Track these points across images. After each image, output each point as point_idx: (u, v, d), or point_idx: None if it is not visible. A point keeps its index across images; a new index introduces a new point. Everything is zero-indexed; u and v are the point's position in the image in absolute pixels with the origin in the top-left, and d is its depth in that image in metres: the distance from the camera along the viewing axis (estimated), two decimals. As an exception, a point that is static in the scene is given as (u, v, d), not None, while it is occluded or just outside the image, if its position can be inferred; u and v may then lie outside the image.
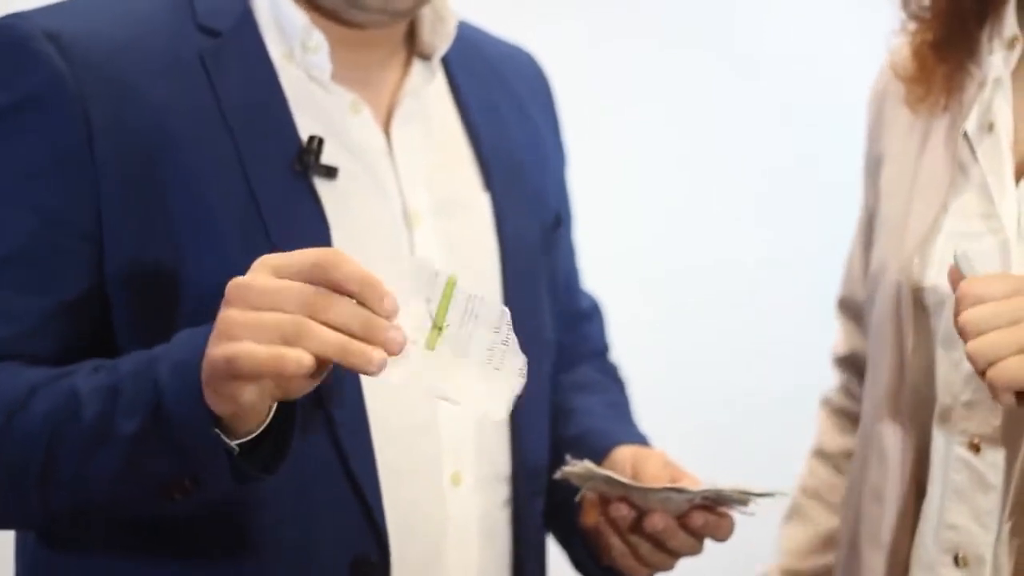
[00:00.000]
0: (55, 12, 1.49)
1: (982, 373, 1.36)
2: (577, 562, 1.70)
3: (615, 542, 1.58)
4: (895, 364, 1.61)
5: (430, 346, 1.29)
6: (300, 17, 1.52)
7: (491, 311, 1.30)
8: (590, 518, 1.61)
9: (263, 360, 1.23)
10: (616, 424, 1.69)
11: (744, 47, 3.10)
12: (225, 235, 1.45)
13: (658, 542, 1.56)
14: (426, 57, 1.60)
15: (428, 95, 1.60)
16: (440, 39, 1.59)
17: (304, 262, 1.26)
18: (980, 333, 1.36)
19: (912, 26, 1.66)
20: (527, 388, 1.56)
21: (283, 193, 1.46)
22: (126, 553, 1.48)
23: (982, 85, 1.59)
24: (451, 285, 1.29)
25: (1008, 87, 1.58)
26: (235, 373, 1.25)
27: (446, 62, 1.63)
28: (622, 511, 1.55)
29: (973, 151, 1.58)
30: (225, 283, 1.27)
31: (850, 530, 1.68)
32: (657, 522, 1.54)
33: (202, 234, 1.44)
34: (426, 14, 1.59)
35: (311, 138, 1.49)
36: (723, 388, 2.99)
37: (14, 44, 1.45)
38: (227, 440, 1.31)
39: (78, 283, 1.45)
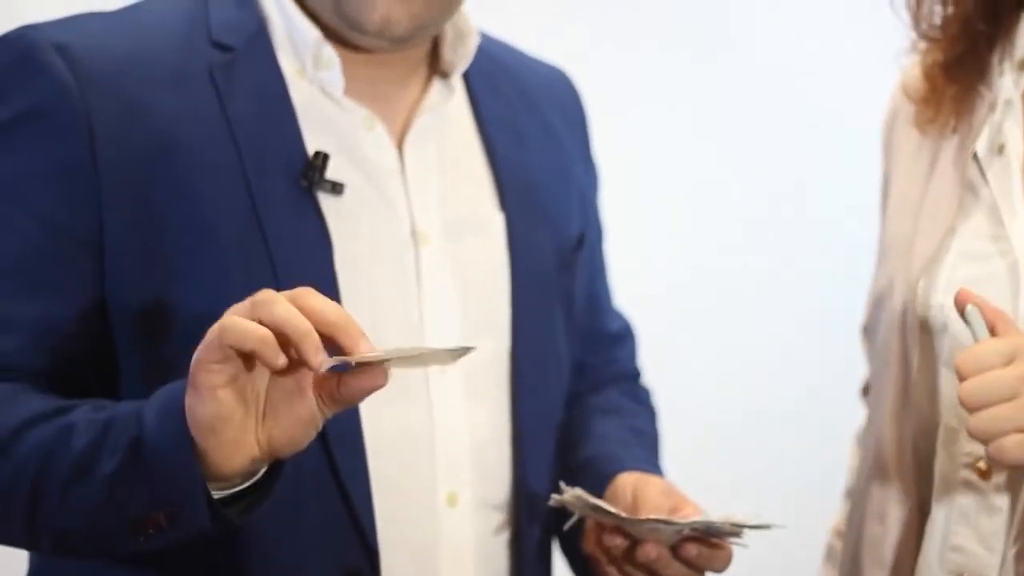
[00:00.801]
0: (67, 24, 1.50)
1: (985, 444, 1.38)
2: None
3: (610, 571, 1.57)
4: (899, 385, 1.60)
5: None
6: (312, 32, 1.52)
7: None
8: (590, 545, 1.59)
9: (284, 317, 1.25)
10: (626, 450, 1.67)
11: (747, 50, 3.09)
12: (225, 249, 1.45)
13: (653, 572, 1.54)
14: (446, 75, 1.60)
15: (446, 113, 1.60)
16: (460, 57, 1.59)
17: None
18: (980, 407, 1.37)
19: (923, 46, 1.65)
20: (532, 411, 1.55)
21: (286, 208, 1.46)
22: (118, 566, 1.47)
23: (992, 107, 1.59)
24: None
25: (1019, 109, 1.57)
26: (225, 339, 1.25)
27: (469, 81, 1.63)
28: (615, 540, 1.54)
29: (983, 173, 1.57)
30: (224, 297, 1.30)
31: (852, 549, 1.67)
32: (650, 552, 1.53)
33: (202, 248, 1.44)
34: (448, 32, 1.59)
35: (316, 153, 1.49)
36: (724, 396, 2.99)
37: (23, 55, 1.46)
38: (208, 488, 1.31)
39: (78, 295, 1.45)
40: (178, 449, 1.29)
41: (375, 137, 1.54)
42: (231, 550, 1.46)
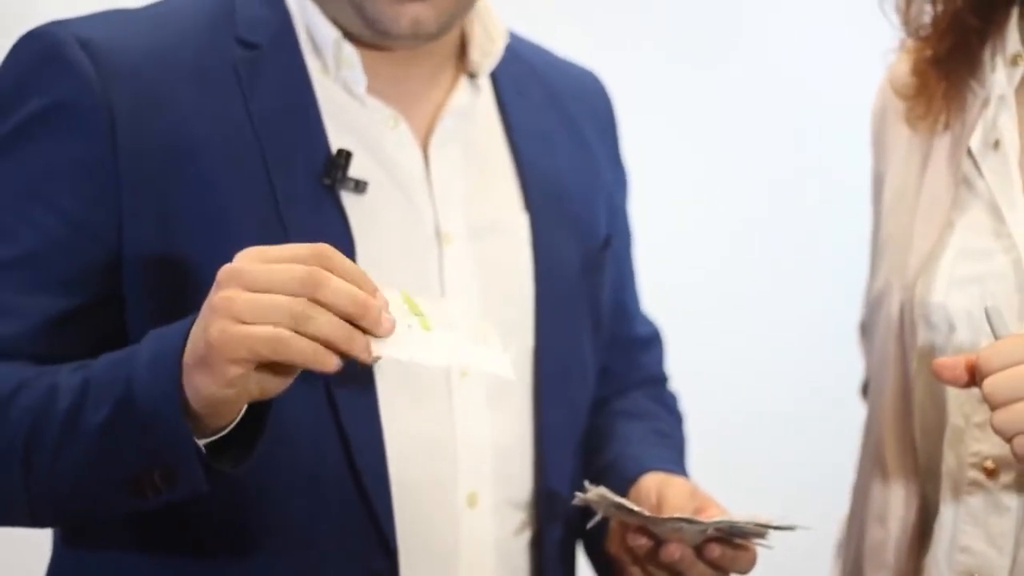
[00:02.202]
0: (92, 20, 1.51)
1: (1009, 440, 1.37)
2: None
3: (634, 571, 1.56)
4: (900, 385, 1.59)
5: (426, 327, 1.31)
6: (332, 31, 1.52)
7: (449, 305, 1.37)
8: (614, 545, 1.59)
9: (302, 348, 1.24)
10: (650, 451, 1.66)
11: (749, 54, 3.09)
12: (245, 245, 1.42)
13: (677, 573, 1.53)
14: (474, 76, 1.60)
15: (473, 114, 1.60)
16: (487, 58, 1.59)
17: (297, 254, 1.26)
18: (1007, 402, 1.36)
19: (912, 43, 1.64)
20: (556, 412, 1.56)
21: (308, 205, 1.46)
22: (136, 565, 1.48)
23: (985, 103, 1.58)
24: (406, 298, 1.33)
25: (1013, 104, 1.56)
26: (253, 356, 1.24)
27: (497, 82, 1.62)
28: (639, 540, 1.53)
29: (979, 168, 1.56)
30: None
31: (854, 553, 1.66)
32: (673, 552, 1.52)
33: (222, 244, 1.42)
34: (476, 33, 1.59)
35: (339, 151, 1.49)
36: (728, 396, 2.99)
37: (48, 50, 1.47)
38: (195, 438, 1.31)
39: (91, 288, 1.46)
40: (170, 413, 1.29)
41: (399, 136, 1.54)
42: (251, 550, 1.46)
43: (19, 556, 1.55)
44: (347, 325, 1.25)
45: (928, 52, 1.62)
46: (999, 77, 1.57)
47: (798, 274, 3.13)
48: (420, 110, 1.56)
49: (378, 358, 1.28)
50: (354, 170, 1.50)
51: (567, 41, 1.85)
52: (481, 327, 1.36)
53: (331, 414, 1.46)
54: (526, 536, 1.59)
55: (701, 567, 1.53)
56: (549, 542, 1.59)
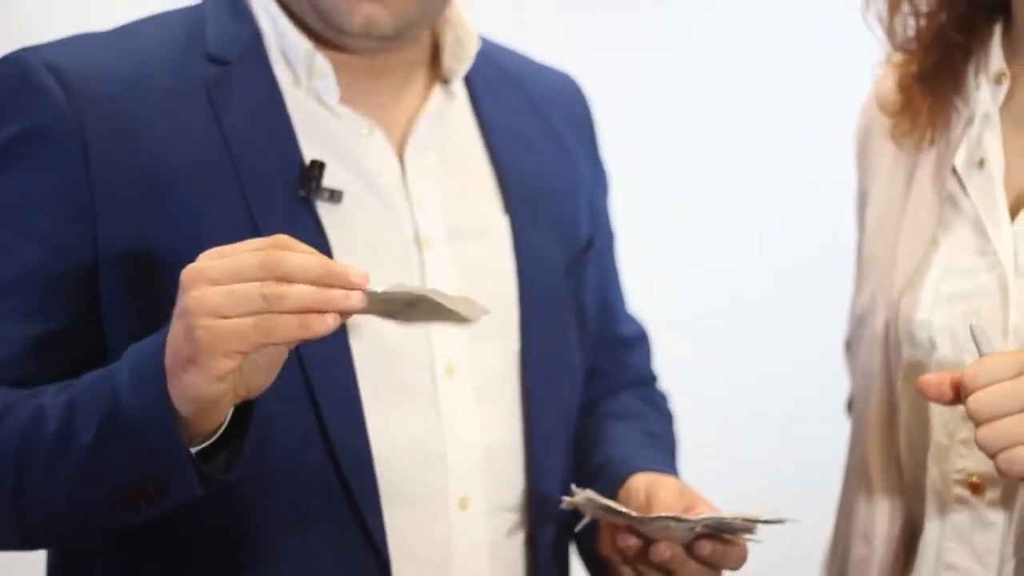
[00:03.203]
0: (63, 45, 1.51)
1: (993, 456, 1.37)
2: None
3: (625, 571, 1.56)
4: (885, 402, 1.59)
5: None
6: (303, 43, 1.53)
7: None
8: (605, 546, 1.59)
9: (289, 323, 1.25)
10: (640, 452, 1.66)
11: (743, 52, 3.08)
12: None
13: (668, 572, 1.53)
14: (447, 82, 1.60)
15: (448, 119, 1.60)
16: (459, 63, 1.59)
17: (255, 244, 1.28)
18: (991, 418, 1.37)
19: (897, 58, 1.64)
20: (544, 413, 1.58)
21: (283, 218, 1.47)
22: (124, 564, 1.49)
23: (970, 121, 1.58)
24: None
25: (997, 123, 1.57)
26: (247, 346, 1.25)
27: (472, 86, 1.63)
28: (628, 540, 1.53)
29: (963, 186, 1.56)
30: None
31: (839, 569, 1.66)
32: (663, 551, 1.51)
33: None
34: (448, 40, 1.59)
35: (312, 162, 1.49)
36: (727, 398, 2.99)
37: (18, 77, 1.47)
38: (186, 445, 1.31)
39: (70, 312, 1.46)
40: (160, 420, 1.30)
41: (374, 144, 1.55)
42: (240, 559, 1.46)
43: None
44: (319, 288, 1.26)
45: (913, 67, 1.62)
46: (983, 95, 1.57)
47: (798, 274, 3.12)
48: (394, 118, 1.57)
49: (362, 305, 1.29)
50: (329, 180, 1.50)
51: (563, 42, 1.85)
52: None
53: (315, 421, 1.47)
54: (519, 538, 1.59)
55: (692, 565, 1.53)
56: (542, 543, 1.59)
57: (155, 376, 1.30)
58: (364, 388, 1.48)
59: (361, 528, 1.48)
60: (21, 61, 1.48)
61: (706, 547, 1.52)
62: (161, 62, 1.50)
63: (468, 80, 1.62)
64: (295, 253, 1.26)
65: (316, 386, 1.46)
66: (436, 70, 1.60)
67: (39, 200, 1.45)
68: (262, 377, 1.32)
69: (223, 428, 1.35)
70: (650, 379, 1.81)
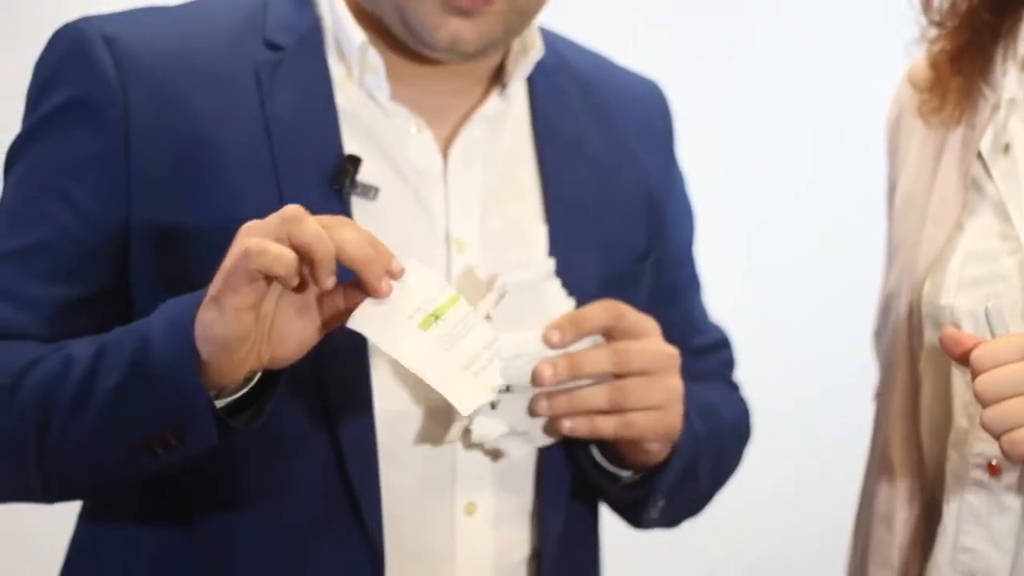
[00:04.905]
0: (121, 18, 1.54)
1: (997, 438, 1.38)
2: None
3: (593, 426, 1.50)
4: (907, 386, 1.60)
5: (422, 327, 1.37)
6: (358, 36, 1.52)
7: (485, 333, 1.40)
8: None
9: (314, 237, 1.30)
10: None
11: (761, 49, 3.09)
12: None
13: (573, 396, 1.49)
14: (506, 86, 1.59)
15: (502, 123, 1.59)
16: (519, 68, 1.58)
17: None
18: (997, 400, 1.37)
19: (932, 33, 1.65)
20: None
21: (314, 209, 1.44)
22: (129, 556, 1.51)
23: (996, 106, 1.58)
24: (456, 299, 1.39)
25: (1023, 108, 1.57)
26: (254, 264, 1.29)
27: (535, 92, 1.61)
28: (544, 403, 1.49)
29: (988, 171, 1.57)
30: None
31: (860, 554, 1.67)
32: (544, 371, 1.46)
33: (227, 244, 1.44)
34: (514, 46, 1.58)
35: (348, 156, 1.50)
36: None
37: (73, 46, 1.51)
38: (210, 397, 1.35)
39: (100, 278, 1.49)
40: (181, 365, 1.34)
41: (420, 143, 1.54)
42: (239, 556, 1.47)
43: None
44: (331, 245, 1.32)
45: (945, 45, 1.63)
46: (1010, 81, 1.58)
47: (815, 273, 3.12)
48: (446, 118, 1.56)
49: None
50: (367, 176, 1.50)
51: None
52: (482, 363, 1.39)
53: (324, 418, 1.47)
54: (525, 551, 1.57)
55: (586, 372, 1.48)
56: (548, 554, 1.57)
57: (184, 328, 1.34)
58: (375, 384, 1.49)
59: (359, 525, 1.47)
60: (78, 30, 1.51)
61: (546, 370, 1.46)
62: (216, 41, 1.52)
63: (532, 84, 1.61)
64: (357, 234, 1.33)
65: (328, 382, 1.47)
66: (499, 72, 1.59)
67: (77, 168, 1.48)
68: (290, 348, 1.35)
69: (245, 393, 1.38)
70: (725, 374, 1.76)
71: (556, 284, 1.52)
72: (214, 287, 1.32)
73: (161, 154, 1.47)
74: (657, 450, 1.53)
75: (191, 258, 1.46)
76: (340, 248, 1.32)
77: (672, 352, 1.50)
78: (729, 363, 1.77)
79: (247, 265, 1.30)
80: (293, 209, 1.32)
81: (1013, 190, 1.55)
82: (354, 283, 1.35)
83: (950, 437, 1.56)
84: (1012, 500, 1.52)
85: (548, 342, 1.46)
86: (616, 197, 1.63)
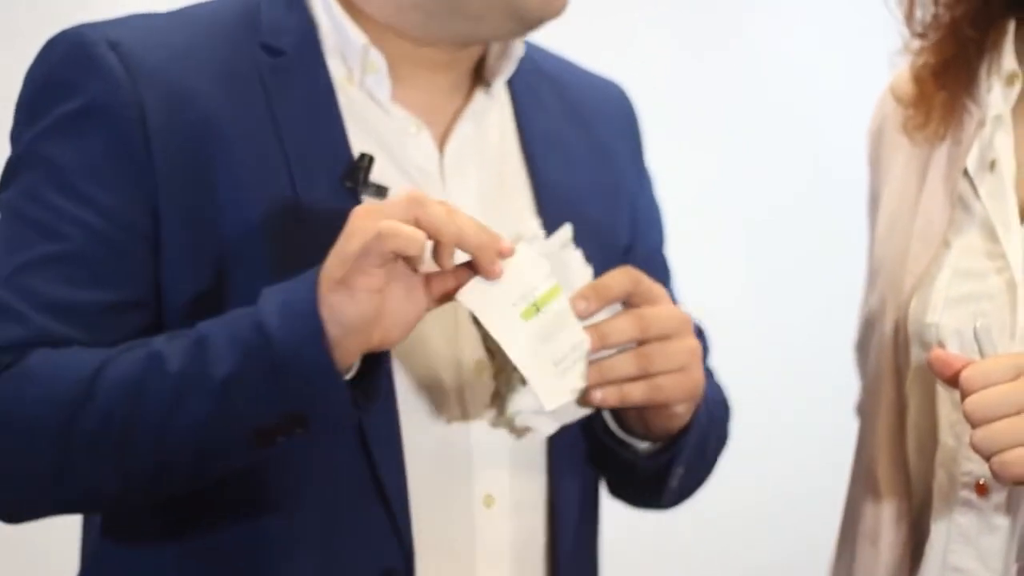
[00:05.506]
0: (120, 23, 1.54)
1: (987, 459, 1.37)
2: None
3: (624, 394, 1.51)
4: (893, 405, 1.59)
5: (524, 316, 1.42)
6: (360, 37, 1.54)
7: (578, 330, 1.45)
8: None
9: (441, 219, 1.35)
10: None
11: (753, 49, 3.08)
12: (270, 246, 1.48)
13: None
14: (489, 84, 1.61)
15: (488, 121, 1.61)
16: (503, 66, 1.60)
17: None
18: (987, 420, 1.37)
19: (915, 45, 1.64)
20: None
21: (331, 208, 1.48)
22: (157, 563, 1.50)
23: (981, 123, 1.58)
24: (559, 289, 1.44)
25: (1009, 124, 1.57)
26: (388, 245, 1.33)
27: (513, 91, 1.64)
28: None
29: (975, 189, 1.56)
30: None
31: (845, 572, 1.66)
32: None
33: (250, 239, 1.48)
34: (494, 45, 1.60)
35: (362, 155, 1.51)
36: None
37: (79, 52, 1.50)
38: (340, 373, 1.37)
39: (133, 283, 1.48)
40: (314, 351, 1.35)
41: (419, 143, 1.56)
42: (270, 548, 1.48)
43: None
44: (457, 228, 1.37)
45: (928, 59, 1.62)
46: (995, 96, 1.57)
47: (809, 276, 3.12)
48: (438, 117, 1.58)
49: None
50: (375, 175, 1.52)
51: (571, 42, 1.85)
52: (569, 363, 1.44)
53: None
54: (541, 540, 1.59)
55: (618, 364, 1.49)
56: (564, 542, 1.59)
57: (309, 308, 1.35)
58: (398, 383, 1.50)
59: (389, 517, 1.48)
60: (81, 36, 1.50)
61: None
62: (214, 41, 1.53)
63: (510, 84, 1.63)
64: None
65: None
66: (478, 73, 1.61)
67: (99, 172, 1.47)
68: (399, 329, 1.39)
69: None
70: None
71: (578, 253, 1.54)
72: (339, 270, 1.34)
73: (180, 151, 1.47)
74: (683, 412, 1.55)
75: (217, 252, 1.47)
76: (460, 230, 1.36)
77: (686, 315, 1.53)
78: (705, 350, 1.78)
79: (382, 247, 1.33)
80: (417, 193, 1.36)
81: (1000, 208, 1.54)
82: (465, 264, 1.40)
83: (937, 456, 1.55)
84: (1001, 520, 1.52)
85: (575, 313, 1.48)
86: (599, 192, 1.65)
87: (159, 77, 1.48)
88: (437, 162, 1.57)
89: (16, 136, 1.52)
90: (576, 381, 1.45)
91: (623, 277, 1.50)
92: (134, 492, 1.45)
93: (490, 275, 1.40)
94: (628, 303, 1.50)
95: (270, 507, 1.47)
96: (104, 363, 1.42)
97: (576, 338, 1.45)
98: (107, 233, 1.47)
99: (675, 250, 1.75)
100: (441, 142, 1.58)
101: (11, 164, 1.51)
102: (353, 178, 1.50)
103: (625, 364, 1.49)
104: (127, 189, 1.47)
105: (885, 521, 1.60)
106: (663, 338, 1.50)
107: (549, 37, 1.69)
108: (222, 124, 1.49)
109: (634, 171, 1.73)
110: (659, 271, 1.73)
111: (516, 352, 1.41)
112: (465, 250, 1.38)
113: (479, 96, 1.60)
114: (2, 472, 1.43)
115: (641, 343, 1.49)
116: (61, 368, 1.42)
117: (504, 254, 1.40)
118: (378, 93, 1.54)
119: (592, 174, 1.66)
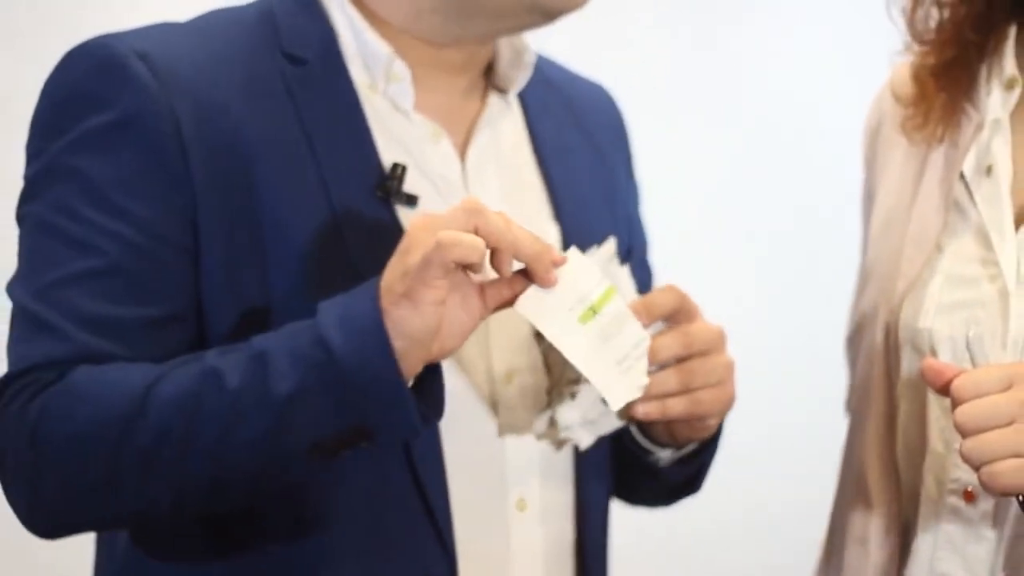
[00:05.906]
0: (144, 33, 1.52)
1: (976, 469, 1.37)
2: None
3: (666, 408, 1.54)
4: (884, 409, 1.59)
5: (581, 320, 1.42)
6: (383, 47, 1.54)
7: (638, 328, 1.45)
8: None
9: (500, 228, 1.35)
10: None
11: (758, 52, 3.07)
12: (310, 257, 1.47)
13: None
14: (502, 90, 1.62)
15: (502, 128, 1.62)
16: (518, 72, 1.61)
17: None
18: (977, 431, 1.36)
19: (916, 47, 1.63)
20: None
21: (366, 218, 1.48)
22: (201, 569, 1.50)
23: (980, 127, 1.57)
24: (614, 289, 1.44)
25: (1007, 129, 1.56)
26: (451, 256, 1.33)
27: (524, 100, 1.64)
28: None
29: (971, 194, 1.56)
30: (308, 298, 1.40)
31: (834, 575, 1.66)
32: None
33: (289, 252, 1.47)
34: (504, 49, 1.61)
35: (395, 165, 1.51)
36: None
37: (109, 63, 1.47)
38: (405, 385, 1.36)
39: (173, 297, 1.46)
40: (384, 363, 1.35)
41: (442, 150, 1.56)
42: (318, 558, 1.48)
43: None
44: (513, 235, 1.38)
45: (930, 60, 1.62)
46: (994, 101, 1.57)
47: (809, 276, 3.12)
48: (458, 124, 1.58)
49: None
50: (405, 184, 1.52)
51: (566, 44, 1.85)
52: (632, 360, 1.45)
53: None
54: (569, 541, 1.60)
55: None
56: (591, 543, 1.61)
57: (374, 323, 1.35)
58: None
59: (433, 527, 1.49)
60: (109, 48, 1.48)
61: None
62: (236, 51, 1.52)
63: (520, 92, 1.63)
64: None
65: None
66: (489, 78, 1.62)
67: (135, 185, 1.45)
68: (456, 339, 1.38)
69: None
70: None
71: (624, 268, 1.56)
72: (402, 283, 1.34)
73: (214, 161, 1.46)
74: (714, 423, 1.59)
75: (254, 263, 1.46)
76: (516, 239, 1.37)
77: (722, 330, 1.55)
78: None
79: (443, 257, 1.33)
80: (474, 202, 1.36)
81: (995, 215, 1.53)
82: (520, 273, 1.40)
83: (925, 462, 1.55)
84: (987, 529, 1.51)
85: None
86: (602, 198, 1.67)
87: (189, 88, 1.47)
88: (459, 170, 1.57)
89: (37, 150, 1.48)
90: (640, 378, 1.45)
91: (671, 295, 1.52)
92: (187, 508, 1.44)
93: (546, 283, 1.39)
94: (671, 319, 1.53)
95: (314, 520, 1.47)
96: (156, 379, 1.40)
97: (637, 336, 1.45)
98: (145, 246, 1.44)
99: (675, 250, 1.75)
100: (461, 150, 1.58)
101: (35, 178, 1.48)
102: (386, 188, 1.50)
103: (669, 380, 1.52)
104: (164, 202, 1.45)
105: (874, 525, 1.60)
106: (703, 354, 1.53)
107: (549, 37, 1.69)
108: (253, 135, 1.47)
109: (625, 176, 1.75)
110: (647, 276, 1.75)
111: (577, 356, 1.42)
112: (521, 259, 1.38)
113: (493, 101, 1.61)
114: (49, 489, 1.41)
115: (682, 359, 1.52)
116: (109, 385, 1.40)
117: (558, 263, 1.40)
118: (402, 102, 1.54)
119: (596, 180, 1.67)
